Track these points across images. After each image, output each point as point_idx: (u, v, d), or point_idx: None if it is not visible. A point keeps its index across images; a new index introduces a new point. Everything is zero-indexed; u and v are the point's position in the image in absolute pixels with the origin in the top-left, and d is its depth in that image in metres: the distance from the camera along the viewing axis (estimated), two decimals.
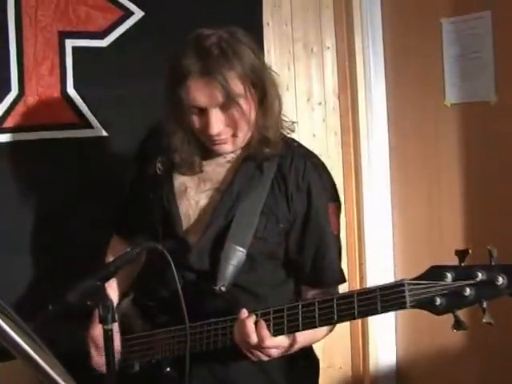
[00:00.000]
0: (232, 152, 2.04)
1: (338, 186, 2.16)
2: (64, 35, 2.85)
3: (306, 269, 2.06)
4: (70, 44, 2.86)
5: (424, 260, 3.54)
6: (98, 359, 2.07)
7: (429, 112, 3.40)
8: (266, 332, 1.79)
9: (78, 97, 2.89)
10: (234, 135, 1.95)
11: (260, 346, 1.80)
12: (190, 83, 1.84)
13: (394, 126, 3.62)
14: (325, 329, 1.97)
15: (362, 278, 3.64)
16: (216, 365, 2.01)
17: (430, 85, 3.37)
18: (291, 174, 2.01)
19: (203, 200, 2.06)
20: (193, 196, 2.07)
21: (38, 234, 2.87)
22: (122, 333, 2.10)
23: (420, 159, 3.49)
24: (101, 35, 2.93)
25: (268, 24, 3.41)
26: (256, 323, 1.81)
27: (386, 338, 3.69)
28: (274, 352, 1.84)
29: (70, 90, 2.88)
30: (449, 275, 1.60)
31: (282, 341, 1.84)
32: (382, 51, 3.60)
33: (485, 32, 3.05)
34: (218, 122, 1.88)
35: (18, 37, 2.76)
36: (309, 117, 3.58)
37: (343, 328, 3.69)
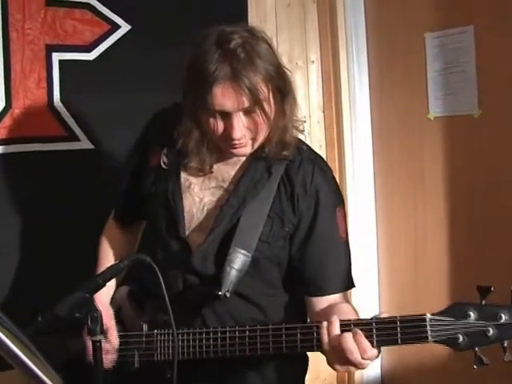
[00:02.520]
0: (248, 154, 1.98)
1: None
2: (51, 48, 2.87)
3: (306, 275, 2.01)
4: (56, 57, 2.88)
5: (408, 271, 3.58)
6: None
7: (413, 125, 3.43)
8: (367, 343, 1.73)
9: (64, 110, 2.91)
10: (254, 138, 1.90)
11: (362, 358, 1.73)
12: (217, 88, 1.78)
13: (379, 140, 3.65)
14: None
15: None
16: (214, 369, 1.99)
17: (413, 98, 3.40)
18: (298, 177, 1.98)
19: (207, 197, 2.02)
20: (197, 193, 2.03)
21: (24, 245, 2.87)
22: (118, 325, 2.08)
23: (404, 172, 3.52)
24: (88, 48, 2.95)
25: None
26: (355, 335, 1.73)
27: None
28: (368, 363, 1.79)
29: (57, 103, 2.89)
30: (472, 314, 1.64)
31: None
32: (366, 65, 3.63)
33: (468, 46, 3.09)
34: (241, 126, 1.84)
35: (6, 50, 2.78)
36: None
37: None
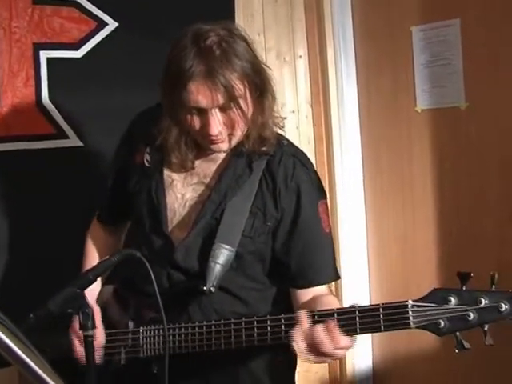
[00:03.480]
0: (227, 150, 2.00)
1: None
2: (39, 47, 2.86)
3: (292, 268, 2.03)
4: (44, 55, 2.87)
5: (397, 266, 3.61)
6: (82, 350, 2.06)
7: (400, 118, 3.44)
8: (339, 333, 1.72)
9: (53, 107, 2.90)
10: (232, 134, 1.92)
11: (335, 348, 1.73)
12: (192, 85, 1.80)
13: (367, 133, 3.66)
14: None
15: (337, 286, 3.66)
16: (204, 366, 2.01)
17: (401, 91, 3.42)
18: (280, 171, 2.00)
19: (189, 194, 2.04)
20: (179, 189, 2.05)
21: (12, 244, 2.87)
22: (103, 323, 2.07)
23: (393, 165, 3.53)
24: (75, 46, 2.95)
25: None
26: (327, 327, 1.73)
27: (361, 341, 3.70)
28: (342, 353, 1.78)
29: (45, 101, 2.89)
30: (452, 299, 1.66)
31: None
32: (353, 59, 3.64)
33: (454, 39, 3.11)
34: (217, 123, 1.86)
35: None
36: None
37: None
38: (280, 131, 2.10)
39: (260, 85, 1.93)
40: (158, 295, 1.73)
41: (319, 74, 3.67)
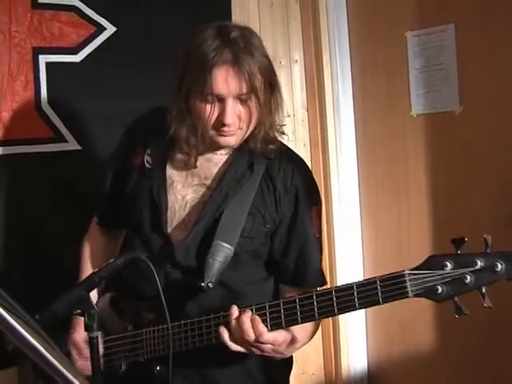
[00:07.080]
0: (234, 146, 2.04)
1: None
2: (38, 51, 2.88)
3: (289, 269, 2.08)
4: (43, 60, 2.89)
5: (393, 269, 3.62)
6: (81, 363, 2.08)
7: (395, 123, 3.47)
8: (262, 327, 1.81)
9: (52, 111, 2.92)
10: (241, 128, 1.96)
11: (257, 341, 1.81)
12: (218, 71, 1.85)
13: (362, 138, 3.68)
14: (309, 330, 2.02)
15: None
16: (200, 363, 2.03)
17: (396, 96, 3.44)
18: (279, 176, 2.04)
19: (190, 195, 2.06)
20: (179, 190, 2.07)
21: (11, 247, 2.87)
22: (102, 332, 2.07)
23: (388, 169, 3.55)
24: (74, 51, 2.97)
25: None
26: (251, 319, 1.82)
27: (357, 343, 3.74)
28: (269, 348, 1.85)
29: (45, 105, 2.90)
30: (448, 264, 1.66)
31: (278, 335, 1.85)
32: (349, 64, 3.67)
33: (448, 44, 3.14)
34: (233, 113, 1.90)
35: None
36: None
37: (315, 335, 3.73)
38: (280, 137, 2.13)
39: (272, 83, 1.99)
40: (163, 296, 1.76)
41: (315, 78, 3.69)
